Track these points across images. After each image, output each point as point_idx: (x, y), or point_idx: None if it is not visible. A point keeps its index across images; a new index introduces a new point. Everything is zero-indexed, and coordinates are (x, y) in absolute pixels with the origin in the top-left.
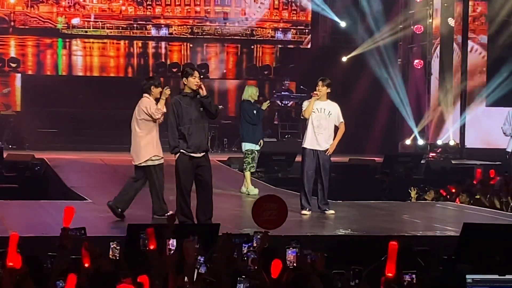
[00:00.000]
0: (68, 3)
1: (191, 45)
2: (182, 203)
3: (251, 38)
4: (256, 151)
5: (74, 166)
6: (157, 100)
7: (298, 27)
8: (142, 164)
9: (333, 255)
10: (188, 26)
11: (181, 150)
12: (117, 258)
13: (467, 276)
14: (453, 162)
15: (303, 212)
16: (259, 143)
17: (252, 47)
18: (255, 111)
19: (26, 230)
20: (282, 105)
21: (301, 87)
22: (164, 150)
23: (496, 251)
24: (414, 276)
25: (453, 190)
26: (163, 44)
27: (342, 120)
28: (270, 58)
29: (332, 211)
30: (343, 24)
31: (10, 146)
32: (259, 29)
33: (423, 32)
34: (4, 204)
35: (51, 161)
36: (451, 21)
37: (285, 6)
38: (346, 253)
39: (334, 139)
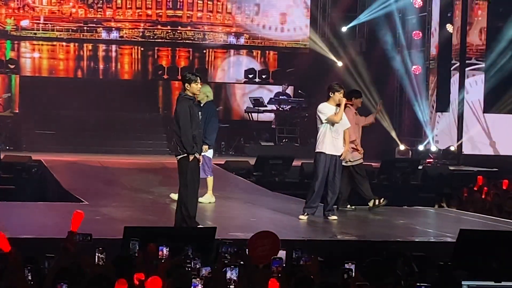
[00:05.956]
0: (18, 4)
1: (142, 49)
2: (195, 205)
3: (203, 42)
4: (205, 157)
5: (71, 168)
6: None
7: (251, 32)
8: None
9: (329, 259)
10: (139, 30)
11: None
12: (103, 263)
13: (463, 282)
14: (450, 168)
15: (301, 217)
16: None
17: (204, 51)
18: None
19: (23, 231)
20: (280, 109)
21: (299, 91)
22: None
23: (492, 257)
24: None
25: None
26: (113, 47)
27: (349, 125)
28: (222, 63)
29: (335, 217)
30: (344, 29)
31: (7, 148)
32: (211, 33)
33: (422, 38)
34: (1, 205)
35: (48, 163)
36: (450, 28)
37: (238, 11)
38: (342, 257)
39: (344, 145)
